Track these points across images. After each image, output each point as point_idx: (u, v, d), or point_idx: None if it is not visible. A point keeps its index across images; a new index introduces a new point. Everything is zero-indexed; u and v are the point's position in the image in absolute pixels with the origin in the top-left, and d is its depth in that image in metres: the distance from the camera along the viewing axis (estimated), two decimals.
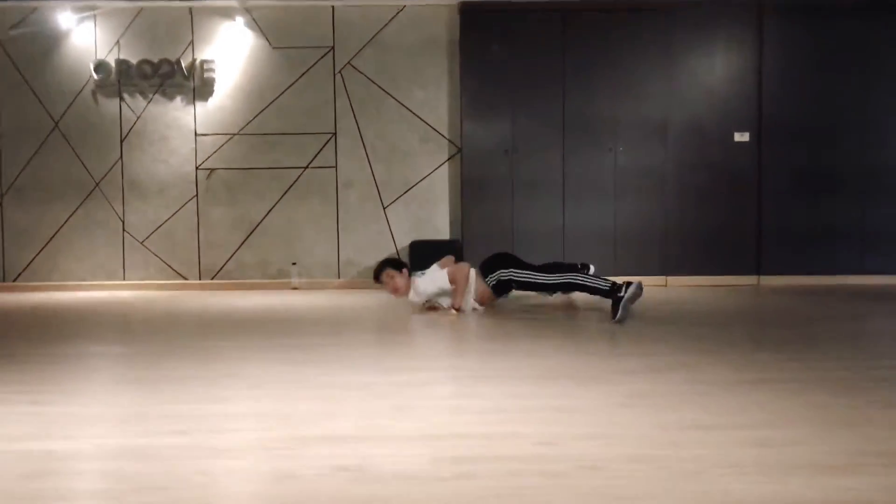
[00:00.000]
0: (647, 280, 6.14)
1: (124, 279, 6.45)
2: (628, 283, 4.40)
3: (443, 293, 4.81)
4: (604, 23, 6.22)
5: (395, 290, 4.85)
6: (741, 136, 6.29)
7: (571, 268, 4.79)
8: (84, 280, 6.43)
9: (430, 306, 4.97)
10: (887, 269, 6.27)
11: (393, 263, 4.92)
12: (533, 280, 4.70)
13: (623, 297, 4.36)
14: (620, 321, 4.28)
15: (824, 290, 5.89)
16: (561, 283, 4.66)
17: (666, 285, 6.24)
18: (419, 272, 4.90)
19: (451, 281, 4.75)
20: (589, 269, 4.86)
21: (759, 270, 6.32)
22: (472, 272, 4.78)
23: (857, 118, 6.26)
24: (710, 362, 3.11)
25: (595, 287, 4.59)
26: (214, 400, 2.57)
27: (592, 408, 2.41)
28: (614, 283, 4.52)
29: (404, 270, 4.90)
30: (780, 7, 6.20)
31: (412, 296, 4.84)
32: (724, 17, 6.25)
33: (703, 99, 6.28)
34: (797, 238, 6.29)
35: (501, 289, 4.80)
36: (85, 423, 2.33)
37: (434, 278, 4.79)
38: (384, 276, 4.85)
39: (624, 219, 6.25)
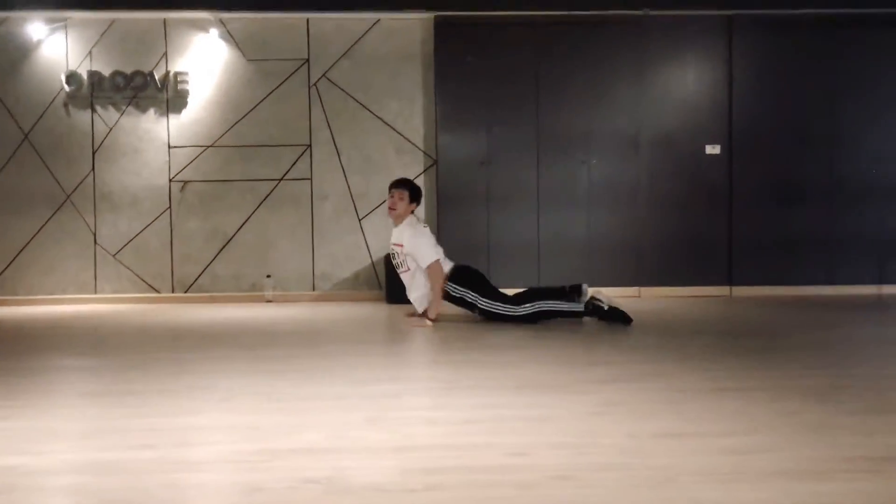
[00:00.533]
0: (620, 291, 6.18)
1: (95, 292, 6.36)
2: (591, 297, 4.58)
3: (409, 258, 4.72)
4: (577, 36, 6.27)
5: (391, 208, 4.80)
6: (713, 149, 6.37)
7: (552, 293, 4.70)
8: (54, 294, 6.33)
9: (410, 313, 4.95)
10: (855, 279, 6.36)
11: (413, 190, 4.82)
12: (499, 312, 4.65)
13: (606, 307, 4.52)
14: (629, 320, 4.50)
15: (794, 300, 5.96)
16: (530, 314, 4.60)
17: (639, 296, 6.28)
18: (423, 224, 4.83)
19: (430, 276, 4.66)
20: (581, 290, 4.69)
21: (731, 281, 6.38)
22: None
23: (825, 131, 6.36)
24: (684, 371, 3.13)
25: (569, 311, 4.60)
26: (183, 413, 2.54)
27: (565, 417, 2.41)
28: (590, 301, 4.57)
29: (413, 205, 4.82)
30: (749, 21, 6.30)
31: (396, 232, 4.79)
32: (695, 32, 6.34)
33: (674, 112, 6.36)
34: (768, 249, 6.37)
35: (460, 303, 4.76)
36: (51, 437, 2.28)
37: (419, 243, 4.66)
38: (395, 192, 4.79)
39: (597, 230, 6.28)
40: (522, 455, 2.02)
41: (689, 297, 6.24)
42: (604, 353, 3.68)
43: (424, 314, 4.74)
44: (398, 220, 4.80)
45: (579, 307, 4.58)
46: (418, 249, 4.69)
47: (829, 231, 6.39)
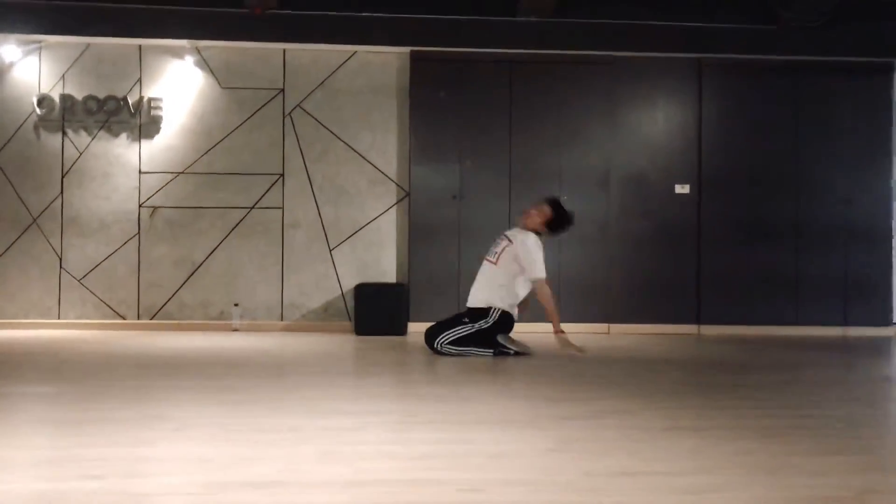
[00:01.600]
0: (589, 327, 6.21)
1: (59, 318, 6.25)
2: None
3: (509, 257, 4.73)
4: (550, 74, 6.37)
5: (526, 216, 4.86)
6: (682, 188, 6.46)
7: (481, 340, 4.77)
8: (16, 318, 6.21)
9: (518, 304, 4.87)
10: (821, 320, 6.44)
11: (555, 217, 4.86)
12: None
13: (513, 352, 4.73)
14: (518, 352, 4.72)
15: (761, 339, 6.01)
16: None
17: (608, 332, 6.30)
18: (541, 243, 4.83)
19: (544, 290, 4.71)
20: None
21: (699, 320, 6.43)
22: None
23: (790, 171, 6.49)
24: (645, 409, 3.13)
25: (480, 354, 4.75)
26: (136, 443, 2.48)
27: (522, 453, 2.40)
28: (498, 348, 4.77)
29: (543, 227, 4.85)
30: (717, 64, 6.45)
31: (509, 233, 4.84)
32: (666, 73, 6.47)
33: (645, 151, 6.45)
34: (736, 288, 6.43)
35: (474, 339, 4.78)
36: None
37: (535, 253, 4.71)
38: (538, 208, 4.85)
39: (567, 267, 6.31)
40: (476, 491, 2.00)
41: (657, 334, 6.27)
42: (566, 389, 3.67)
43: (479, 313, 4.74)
44: (528, 228, 4.83)
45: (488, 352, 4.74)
46: (531, 256, 4.71)
47: (796, 271, 6.48)
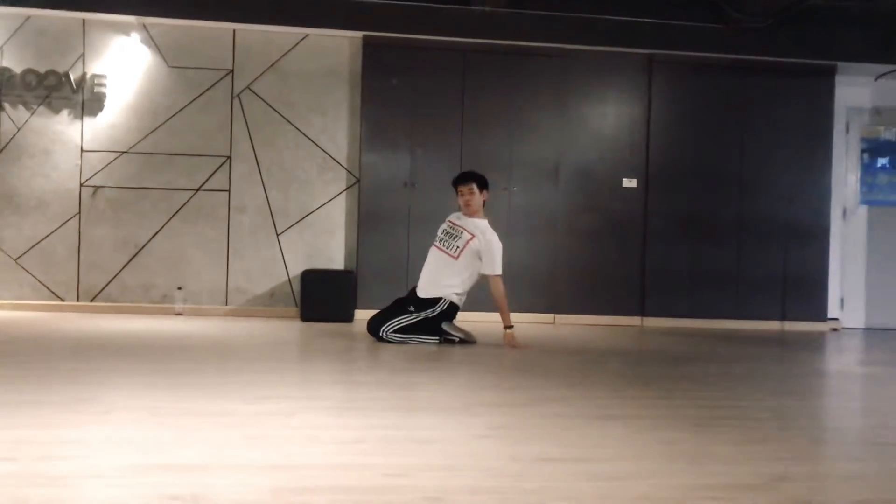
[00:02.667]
0: (535, 317, 6.26)
1: None
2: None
3: (472, 252, 4.71)
4: (502, 65, 6.38)
5: (467, 205, 4.75)
6: (629, 182, 6.54)
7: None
8: None
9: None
10: (760, 314, 6.60)
11: (479, 180, 4.81)
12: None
13: (457, 339, 4.76)
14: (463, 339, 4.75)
15: (702, 332, 6.14)
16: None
17: (554, 323, 6.36)
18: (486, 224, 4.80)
19: (500, 287, 4.69)
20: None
21: (643, 312, 6.53)
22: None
23: (733, 169, 6.62)
24: (578, 397, 3.17)
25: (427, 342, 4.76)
26: (58, 425, 2.43)
27: (450, 439, 2.41)
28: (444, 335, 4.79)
29: (485, 193, 4.82)
30: (667, 61, 6.53)
31: (469, 221, 4.76)
32: (617, 68, 6.53)
33: (594, 144, 6.51)
34: (679, 282, 6.56)
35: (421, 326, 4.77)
36: None
37: (497, 251, 4.70)
38: (465, 188, 4.75)
39: (515, 257, 6.32)
40: (399, 476, 2.01)
41: (602, 325, 6.36)
42: (505, 377, 3.71)
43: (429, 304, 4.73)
44: (474, 214, 4.79)
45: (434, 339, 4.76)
46: (495, 255, 4.71)
47: (737, 267, 6.62)
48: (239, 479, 1.94)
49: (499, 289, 4.73)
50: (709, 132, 6.62)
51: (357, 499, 1.82)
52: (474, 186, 4.79)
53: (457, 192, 4.87)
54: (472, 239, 4.75)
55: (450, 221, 4.94)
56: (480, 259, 4.76)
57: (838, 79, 6.71)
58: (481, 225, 4.82)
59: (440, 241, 4.88)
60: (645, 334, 5.97)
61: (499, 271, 4.75)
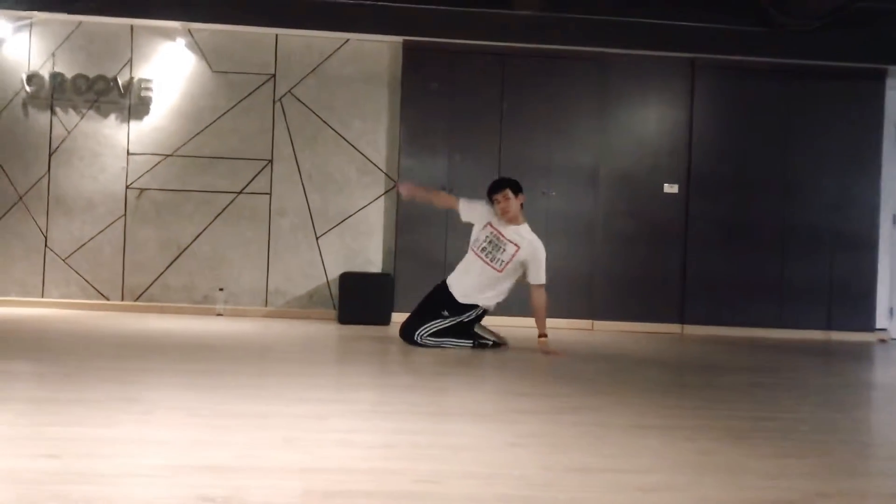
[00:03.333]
0: (573, 323, 6.22)
1: (42, 296, 6.25)
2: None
3: (518, 263, 4.67)
4: (542, 68, 6.36)
5: (505, 212, 4.65)
6: (671, 188, 6.46)
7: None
8: None
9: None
10: (804, 324, 6.45)
11: (513, 185, 4.71)
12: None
13: (491, 342, 4.76)
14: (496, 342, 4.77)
15: (744, 341, 6.03)
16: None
17: (592, 329, 6.31)
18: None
19: (544, 297, 4.70)
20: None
21: (682, 319, 6.44)
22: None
23: (778, 175, 6.49)
24: (614, 405, 3.14)
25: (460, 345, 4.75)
26: (98, 424, 2.49)
27: (482, 446, 2.41)
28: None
29: (522, 197, 4.75)
30: (711, 65, 6.44)
31: (510, 229, 4.69)
32: (659, 72, 6.46)
33: (635, 149, 6.45)
34: (720, 289, 6.45)
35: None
36: None
37: (543, 260, 4.68)
38: (499, 196, 4.68)
39: (554, 261, 6.23)
40: (430, 482, 2.01)
41: (641, 332, 6.28)
42: (538, 384, 3.69)
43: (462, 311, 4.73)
44: (514, 220, 4.70)
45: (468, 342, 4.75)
46: (541, 264, 4.67)
47: (780, 275, 6.49)
48: (271, 481, 1.96)
49: (541, 298, 4.68)
50: (753, 137, 6.50)
51: None
52: (509, 192, 4.67)
53: (492, 202, 4.75)
54: (517, 251, 4.65)
55: (492, 227, 4.73)
56: (525, 267, 4.70)
57: (889, 82, 6.53)
58: (525, 234, 4.72)
59: (483, 250, 4.72)
60: (684, 342, 5.88)
61: (543, 281, 4.69)
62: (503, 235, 4.70)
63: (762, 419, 3.04)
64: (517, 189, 4.75)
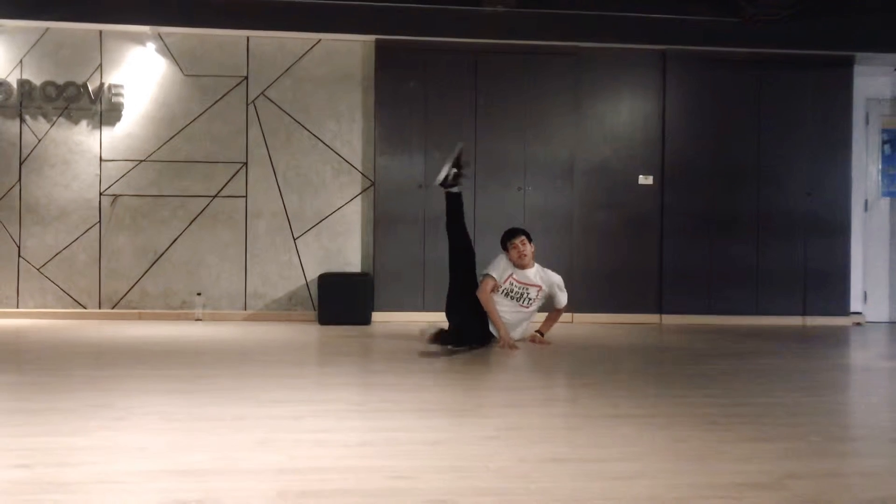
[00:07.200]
0: None
1: (18, 307, 6.17)
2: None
3: (542, 298, 4.95)
4: (515, 65, 6.37)
5: (522, 256, 4.89)
6: (646, 179, 6.50)
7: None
8: None
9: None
10: (779, 309, 6.52)
11: (528, 235, 5.02)
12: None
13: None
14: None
15: (722, 329, 6.08)
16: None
17: (572, 321, 6.34)
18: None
19: (560, 315, 5.17)
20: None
21: (661, 309, 6.48)
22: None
23: (752, 165, 6.55)
24: (591, 396, 3.16)
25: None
26: (72, 432, 2.47)
27: (460, 441, 2.41)
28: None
29: (533, 245, 5.02)
30: (681, 56, 6.48)
31: (526, 273, 4.90)
32: (631, 65, 6.49)
33: (609, 142, 6.48)
34: (697, 279, 6.49)
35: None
36: None
37: (563, 288, 4.99)
38: (518, 241, 4.92)
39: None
40: (406, 478, 2.02)
41: (620, 323, 6.32)
42: (518, 378, 3.70)
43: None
44: (529, 264, 4.97)
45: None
46: (564, 291, 5.01)
47: (756, 262, 6.55)
48: (246, 483, 1.96)
49: (561, 313, 5.14)
50: (725, 127, 6.55)
51: (362, 502, 1.83)
52: (525, 238, 4.98)
53: (506, 248, 4.98)
54: (540, 290, 4.97)
55: (513, 279, 4.93)
56: (552, 297, 5.02)
57: (857, 69, 6.61)
58: (542, 274, 5.01)
59: (510, 297, 4.92)
60: (663, 332, 5.92)
61: (566, 303, 5.07)
62: (523, 282, 4.96)
63: (738, 405, 3.07)
64: (530, 237, 5.07)
